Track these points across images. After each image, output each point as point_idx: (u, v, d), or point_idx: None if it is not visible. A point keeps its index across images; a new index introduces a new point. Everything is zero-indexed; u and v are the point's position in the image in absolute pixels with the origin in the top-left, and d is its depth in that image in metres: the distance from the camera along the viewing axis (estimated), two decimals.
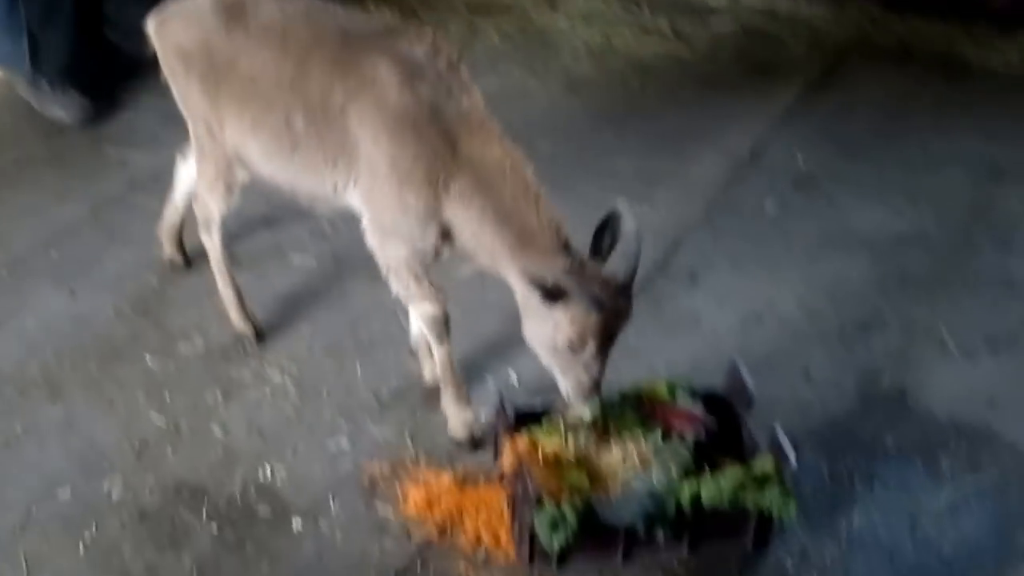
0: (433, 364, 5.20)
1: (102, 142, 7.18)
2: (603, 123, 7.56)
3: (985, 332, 5.80)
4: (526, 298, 4.46)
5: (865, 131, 7.63)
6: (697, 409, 4.76)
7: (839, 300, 6.02)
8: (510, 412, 4.69)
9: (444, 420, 5.12)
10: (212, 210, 5.39)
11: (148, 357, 5.50)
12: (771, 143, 7.45)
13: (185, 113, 5.27)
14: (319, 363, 5.51)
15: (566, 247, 4.42)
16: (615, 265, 4.41)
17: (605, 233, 4.43)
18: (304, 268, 6.10)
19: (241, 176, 5.23)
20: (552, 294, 4.28)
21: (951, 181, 7.11)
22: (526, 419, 4.72)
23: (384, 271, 4.86)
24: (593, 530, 4.33)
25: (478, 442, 5.01)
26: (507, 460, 4.56)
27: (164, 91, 5.19)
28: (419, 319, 4.95)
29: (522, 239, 4.44)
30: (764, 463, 4.48)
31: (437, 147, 4.50)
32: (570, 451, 4.58)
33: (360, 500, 4.79)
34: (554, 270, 4.28)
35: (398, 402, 5.30)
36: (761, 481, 4.43)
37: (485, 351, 5.40)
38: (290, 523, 4.69)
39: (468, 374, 5.29)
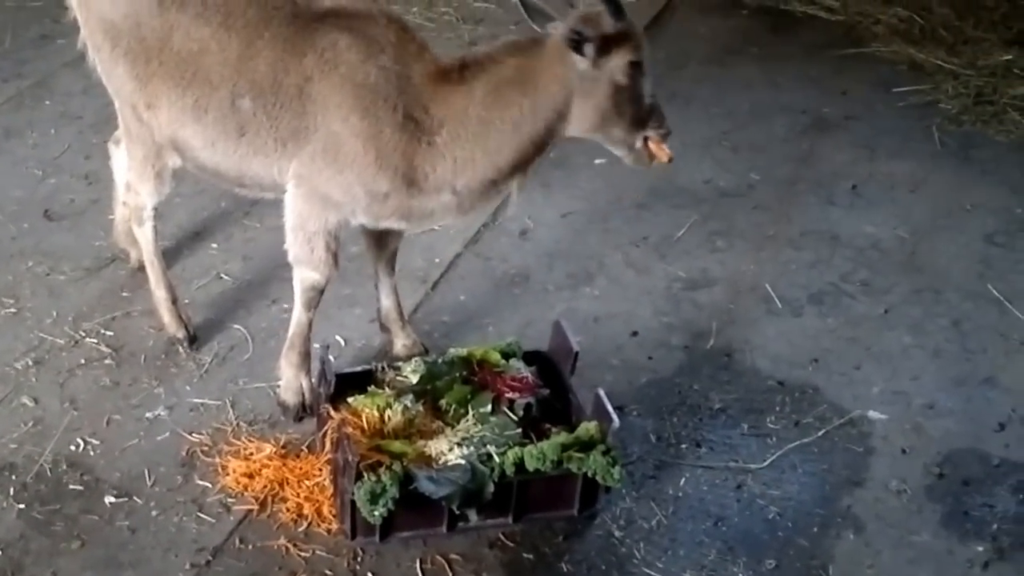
0: (405, 336, 5.16)
1: None
2: None
3: (809, 289, 5.85)
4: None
5: (693, 82, 7.63)
6: (530, 375, 4.71)
7: (667, 257, 6.01)
8: (331, 378, 4.58)
9: (267, 388, 5.00)
10: (143, 199, 5.05)
11: None
12: None
13: (110, 92, 4.95)
14: (137, 326, 5.32)
15: None
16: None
17: None
18: None
19: (172, 162, 4.88)
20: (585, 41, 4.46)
21: (776, 133, 7.17)
22: (351, 385, 4.62)
23: (292, 231, 4.63)
24: (416, 501, 4.26)
25: (306, 411, 4.89)
26: (329, 429, 4.46)
27: None
28: (299, 282, 4.75)
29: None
30: (588, 427, 4.45)
31: (410, 114, 4.39)
32: (394, 419, 4.50)
33: (177, 473, 4.65)
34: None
35: (219, 368, 5.15)
36: (586, 446, 4.40)
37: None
38: (103, 499, 4.53)
39: None
